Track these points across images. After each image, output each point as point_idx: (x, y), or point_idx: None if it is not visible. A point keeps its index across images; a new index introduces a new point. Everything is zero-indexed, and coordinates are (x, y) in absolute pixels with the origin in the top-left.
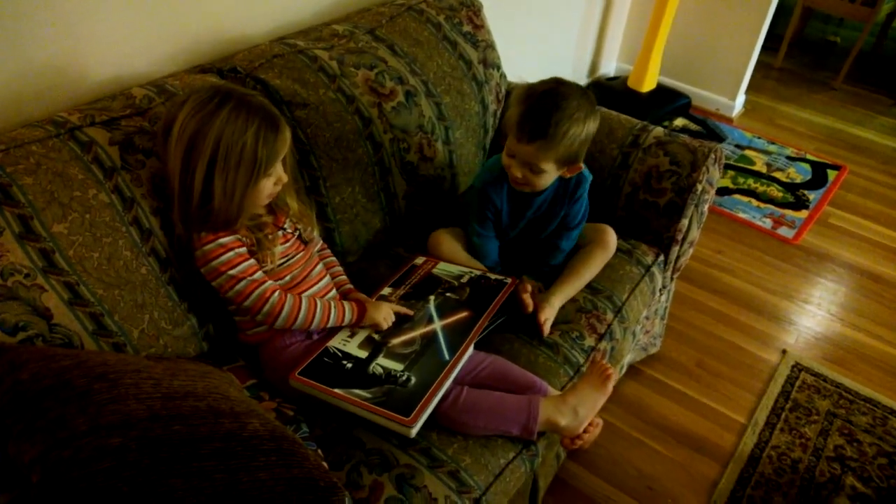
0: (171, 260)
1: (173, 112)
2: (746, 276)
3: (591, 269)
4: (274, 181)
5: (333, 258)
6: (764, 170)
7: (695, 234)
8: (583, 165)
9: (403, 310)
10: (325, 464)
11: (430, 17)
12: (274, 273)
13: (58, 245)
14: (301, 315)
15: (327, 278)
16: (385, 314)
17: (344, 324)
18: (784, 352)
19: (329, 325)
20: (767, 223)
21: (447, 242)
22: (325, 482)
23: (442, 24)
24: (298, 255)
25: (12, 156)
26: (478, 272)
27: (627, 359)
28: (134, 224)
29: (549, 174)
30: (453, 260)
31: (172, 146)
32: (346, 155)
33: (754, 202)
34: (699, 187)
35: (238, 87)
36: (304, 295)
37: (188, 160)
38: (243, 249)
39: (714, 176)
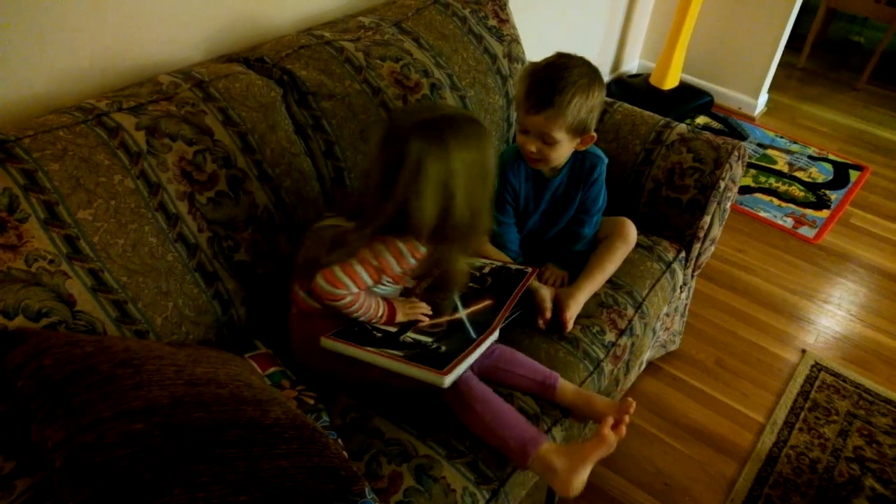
0: (200, 245)
1: (397, 155)
2: (767, 275)
3: (613, 262)
4: None
5: None
6: (786, 169)
7: (717, 231)
8: (595, 136)
9: (422, 306)
10: (345, 453)
11: (456, 10)
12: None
13: (82, 231)
14: (355, 307)
15: None
16: (408, 311)
17: (376, 320)
18: (804, 351)
19: (364, 319)
20: (789, 222)
21: None
22: (345, 471)
23: (467, 18)
24: None
25: (39, 141)
26: (498, 263)
27: (647, 355)
28: (160, 209)
29: (563, 145)
30: (479, 250)
31: (403, 186)
32: (370, 147)
33: (776, 201)
34: (722, 184)
35: (428, 109)
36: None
37: (446, 198)
38: (399, 270)
39: (737, 173)
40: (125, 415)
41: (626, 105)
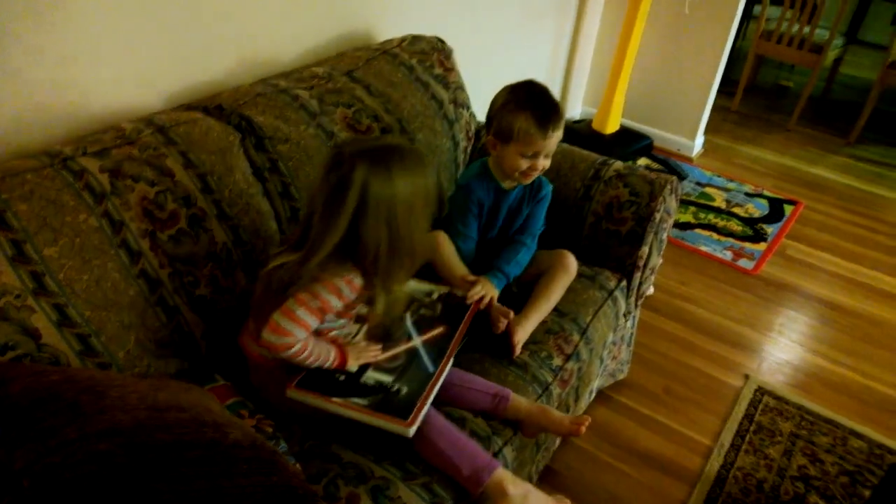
0: (161, 281)
1: (340, 179)
2: (709, 306)
3: (556, 291)
4: None
5: None
6: (723, 206)
7: (655, 260)
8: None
9: (372, 348)
10: (302, 476)
11: (403, 60)
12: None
13: (48, 268)
14: (304, 354)
15: None
16: (358, 355)
17: (328, 365)
18: (747, 377)
19: (314, 366)
20: (728, 255)
21: (446, 243)
22: (303, 490)
23: (414, 67)
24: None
25: (8, 184)
26: (444, 289)
27: (596, 384)
28: (123, 246)
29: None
30: (450, 261)
31: (347, 218)
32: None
33: (715, 236)
34: (657, 216)
35: (376, 141)
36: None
37: (389, 224)
38: (340, 305)
39: (671, 205)
40: (91, 436)
41: (565, 145)
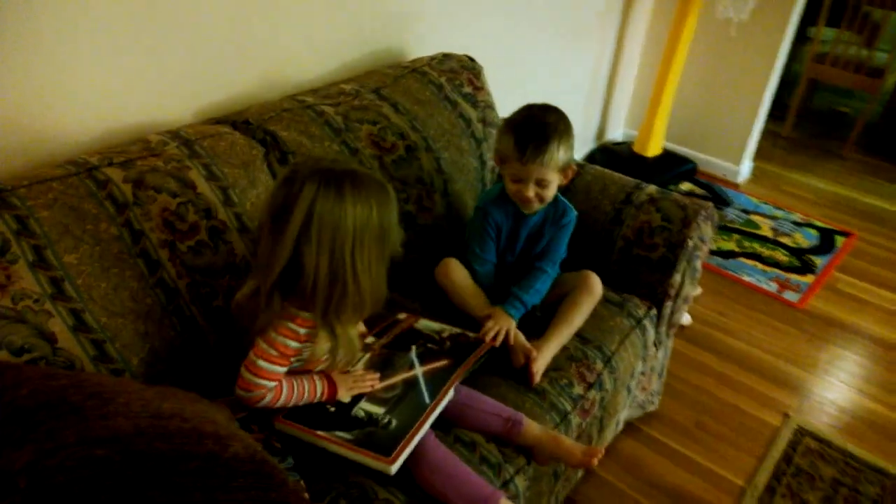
0: (179, 291)
1: (283, 202)
2: (750, 339)
3: (580, 315)
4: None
5: None
6: (770, 234)
7: (689, 289)
8: (575, 167)
9: (368, 378)
10: (306, 494)
11: (432, 78)
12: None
13: (68, 274)
14: (281, 400)
15: None
16: (351, 386)
17: (316, 399)
18: (786, 415)
19: (302, 403)
20: (772, 287)
21: (459, 269)
22: None
23: (443, 85)
24: None
25: (34, 191)
26: (457, 330)
27: (624, 415)
28: (142, 256)
29: (554, 183)
30: (464, 287)
31: (291, 239)
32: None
33: (759, 266)
34: (690, 243)
35: (338, 160)
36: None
37: (332, 253)
38: (299, 345)
39: (706, 233)
40: (89, 441)
41: (597, 167)
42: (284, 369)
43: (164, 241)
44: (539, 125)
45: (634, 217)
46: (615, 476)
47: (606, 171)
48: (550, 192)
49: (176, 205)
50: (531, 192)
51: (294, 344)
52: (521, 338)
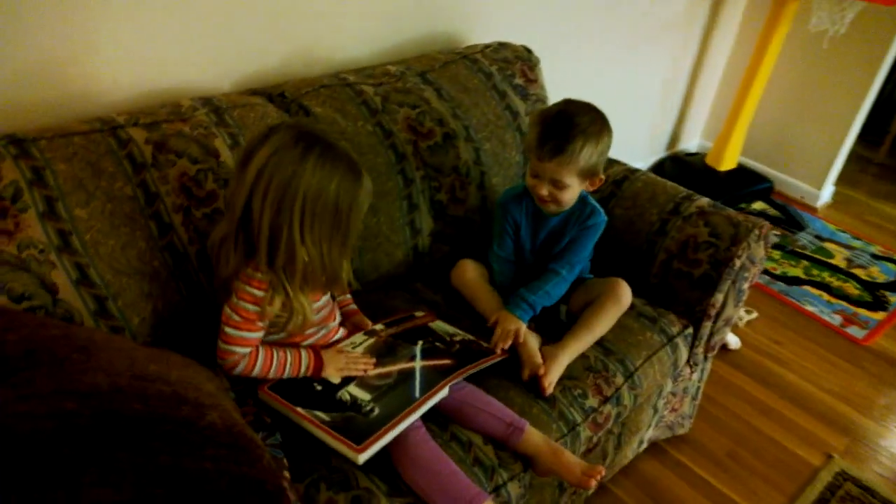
0: (189, 256)
1: (253, 145)
2: (802, 371)
3: (602, 323)
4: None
5: None
6: (843, 265)
7: (731, 311)
8: (603, 178)
9: (362, 362)
10: (287, 473)
11: (483, 66)
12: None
13: (76, 228)
14: (257, 369)
15: (338, 324)
16: (341, 366)
17: (300, 374)
18: (830, 456)
19: (285, 376)
20: (836, 320)
21: (472, 270)
22: (273, 486)
23: (493, 74)
24: (325, 310)
25: (55, 143)
26: (471, 338)
27: (648, 434)
28: (153, 218)
29: (573, 188)
30: (475, 288)
31: (248, 183)
32: (375, 186)
33: (825, 296)
34: (737, 262)
35: (324, 129)
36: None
37: (280, 208)
38: (257, 308)
39: (757, 253)
40: (62, 393)
41: (650, 174)
42: (254, 335)
43: (179, 205)
44: (566, 123)
45: (680, 229)
46: (631, 496)
47: (659, 179)
48: (567, 195)
49: (195, 171)
50: (545, 190)
51: (252, 307)
52: (532, 345)
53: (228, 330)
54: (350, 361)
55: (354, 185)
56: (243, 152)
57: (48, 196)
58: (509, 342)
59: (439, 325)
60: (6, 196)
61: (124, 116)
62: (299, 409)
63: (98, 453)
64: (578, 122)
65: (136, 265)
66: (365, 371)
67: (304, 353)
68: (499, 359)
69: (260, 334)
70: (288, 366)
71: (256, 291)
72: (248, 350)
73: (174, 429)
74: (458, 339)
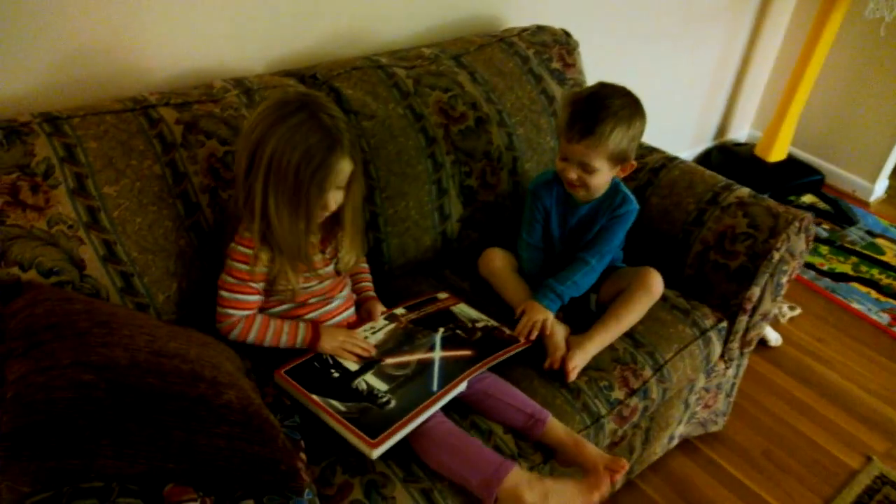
0: (214, 237)
1: (254, 110)
2: (844, 371)
3: (632, 313)
4: (321, 207)
5: (364, 264)
6: (894, 262)
7: (768, 306)
8: (635, 164)
9: (362, 344)
10: (303, 455)
11: (519, 49)
12: (296, 294)
13: (105, 205)
14: (252, 334)
15: (347, 294)
16: (336, 345)
17: (297, 344)
18: (869, 459)
19: (281, 345)
20: (884, 318)
21: (500, 259)
22: (286, 466)
23: (530, 58)
24: (326, 283)
25: (87, 122)
26: (494, 324)
27: (679, 430)
28: (180, 197)
29: (603, 173)
30: (504, 277)
31: (238, 146)
32: (405, 170)
33: (874, 294)
34: (776, 255)
35: (324, 102)
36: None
37: (251, 164)
38: (247, 267)
39: (797, 246)
40: (80, 365)
41: (689, 162)
42: (248, 298)
43: (207, 185)
44: (597, 105)
45: (718, 220)
46: (659, 492)
47: (698, 167)
48: (597, 180)
49: (223, 152)
50: (573, 174)
51: (243, 266)
52: (560, 335)
53: (224, 293)
54: (348, 340)
55: (322, 159)
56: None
57: (79, 173)
58: (535, 333)
59: (462, 309)
60: (38, 172)
61: (156, 96)
62: (315, 397)
63: (112, 425)
64: (610, 105)
65: (163, 243)
66: (368, 352)
67: (301, 324)
68: (521, 348)
69: (255, 298)
70: (284, 335)
71: (245, 249)
72: (243, 313)
73: (189, 406)
74: (480, 325)
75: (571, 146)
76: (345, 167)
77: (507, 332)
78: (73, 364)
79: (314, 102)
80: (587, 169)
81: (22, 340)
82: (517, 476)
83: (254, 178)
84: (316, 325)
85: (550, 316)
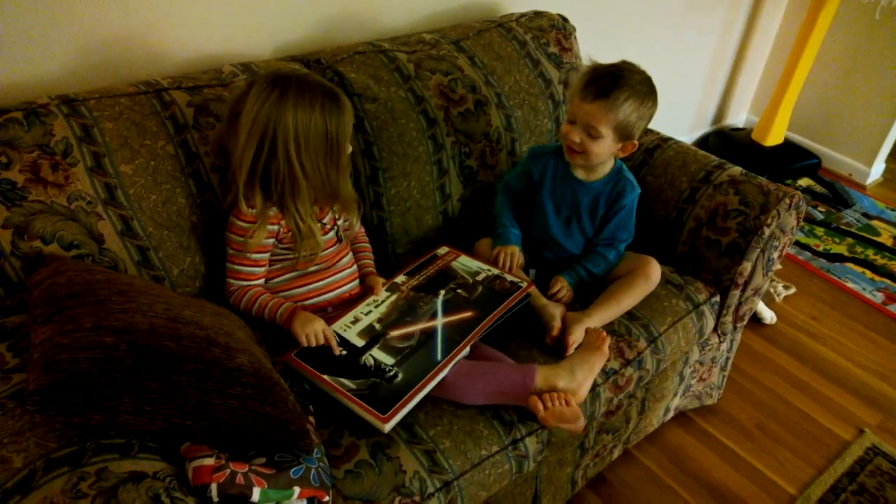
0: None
1: (238, 100)
2: (838, 347)
3: (630, 297)
4: (349, 147)
5: (366, 243)
6: (889, 243)
7: (760, 281)
8: (636, 144)
9: (330, 341)
10: (312, 418)
11: (517, 34)
12: (301, 262)
13: (121, 183)
14: (242, 303)
15: (352, 268)
16: (310, 331)
17: (276, 319)
18: (861, 431)
19: (265, 317)
20: (878, 297)
21: (488, 247)
22: (295, 426)
23: (527, 43)
24: (330, 250)
25: (102, 104)
26: (495, 271)
27: (675, 403)
28: (193, 176)
29: (605, 142)
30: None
31: (244, 133)
32: (406, 151)
33: (868, 274)
34: (766, 231)
35: (299, 69)
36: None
37: (273, 148)
38: (242, 239)
39: (788, 222)
40: (101, 328)
41: (682, 143)
42: (245, 269)
43: (217, 166)
44: (618, 74)
45: (710, 197)
46: (655, 462)
47: (691, 147)
48: (598, 148)
49: None
50: (577, 136)
51: (238, 238)
52: (553, 307)
53: (227, 264)
54: (319, 332)
55: (336, 109)
56: (230, 107)
57: (96, 152)
58: (508, 262)
59: (462, 263)
60: (58, 151)
61: (168, 80)
62: (326, 378)
63: (131, 383)
64: (629, 77)
65: (177, 220)
66: (331, 346)
67: (285, 304)
68: (525, 293)
69: (253, 269)
70: (267, 309)
71: (241, 223)
72: (241, 283)
73: (204, 367)
74: (481, 277)
75: (584, 105)
76: (349, 105)
77: (508, 279)
78: (94, 328)
79: (294, 72)
80: (592, 133)
81: (45, 308)
82: (543, 371)
83: (281, 158)
84: (295, 309)
85: (513, 246)
